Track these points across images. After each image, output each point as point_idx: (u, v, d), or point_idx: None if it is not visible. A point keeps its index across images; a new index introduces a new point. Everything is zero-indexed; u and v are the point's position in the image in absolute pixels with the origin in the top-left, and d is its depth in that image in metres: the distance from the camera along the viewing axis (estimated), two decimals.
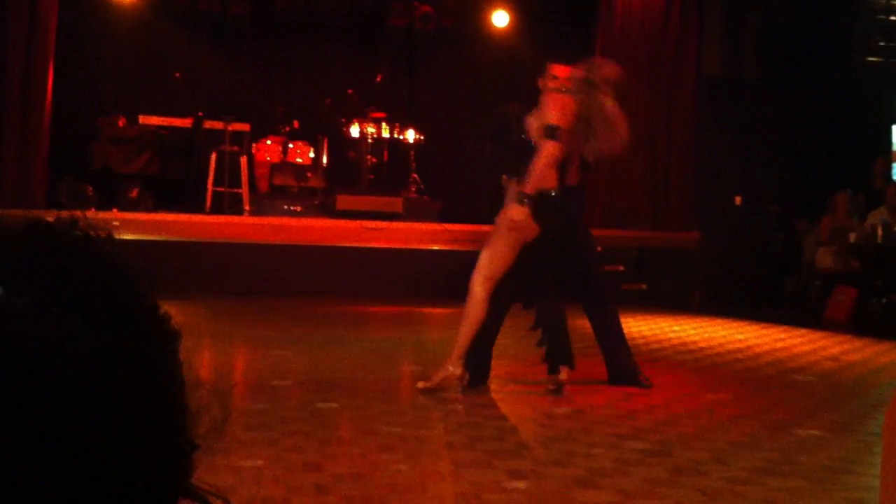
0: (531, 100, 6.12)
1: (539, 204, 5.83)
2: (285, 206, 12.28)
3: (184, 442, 0.57)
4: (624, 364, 6.29)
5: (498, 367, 6.36)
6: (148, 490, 0.54)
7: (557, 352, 6.03)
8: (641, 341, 8.60)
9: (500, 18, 13.94)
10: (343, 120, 13.09)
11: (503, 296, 6.03)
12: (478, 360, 6.12)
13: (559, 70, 6.04)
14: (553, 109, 5.89)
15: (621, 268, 11.97)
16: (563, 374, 6.03)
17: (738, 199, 13.20)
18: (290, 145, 12.96)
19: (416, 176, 13.21)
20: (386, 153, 13.26)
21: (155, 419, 0.56)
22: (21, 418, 0.49)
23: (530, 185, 5.77)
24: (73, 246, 0.58)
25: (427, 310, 10.10)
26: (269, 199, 12.45)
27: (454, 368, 5.91)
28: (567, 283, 6.12)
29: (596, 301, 6.35)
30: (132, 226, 10.78)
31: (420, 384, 5.98)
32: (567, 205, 6.01)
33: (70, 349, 0.52)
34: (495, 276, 5.87)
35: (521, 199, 5.75)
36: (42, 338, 0.52)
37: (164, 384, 0.58)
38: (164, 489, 0.56)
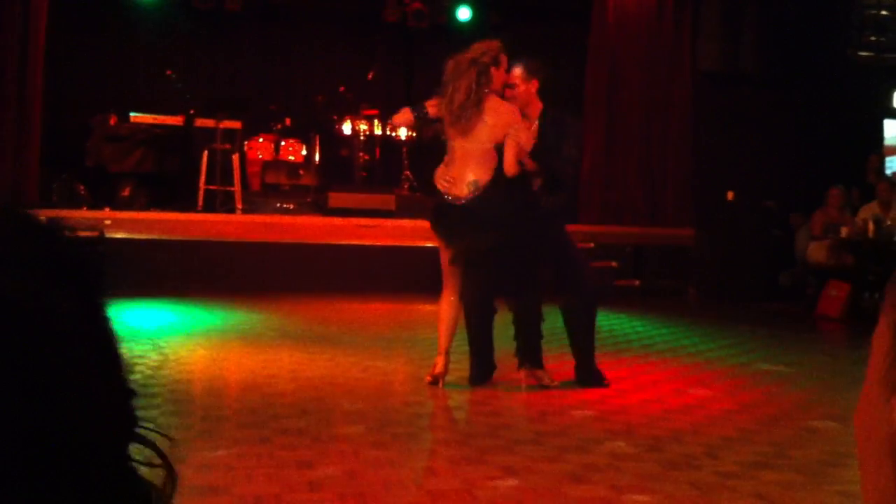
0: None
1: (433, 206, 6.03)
2: (278, 204, 12.26)
3: (125, 388, 0.57)
4: (588, 364, 6.24)
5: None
6: (100, 436, 0.54)
7: (524, 349, 6.06)
8: (635, 337, 8.61)
9: (463, 13, 13.87)
10: (335, 117, 13.07)
11: (485, 294, 6.08)
12: (478, 358, 6.15)
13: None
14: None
15: (614, 264, 11.98)
16: (522, 373, 6.07)
17: (730, 195, 13.20)
18: (283, 143, 12.94)
19: (409, 173, 13.19)
20: (378, 150, 13.24)
21: (96, 363, 0.56)
22: None
23: None
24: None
25: (420, 307, 10.08)
26: (261, 197, 12.43)
27: (438, 364, 6.02)
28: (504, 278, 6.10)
29: (572, 300, 6.25)
30: (124, 224, 10.76)
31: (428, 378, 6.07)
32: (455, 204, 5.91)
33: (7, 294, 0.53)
34: (444, 277, 6.00)
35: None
36: None
37: (100, 330, 0.58)
38: (114, 435, 0.56)
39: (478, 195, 5.80)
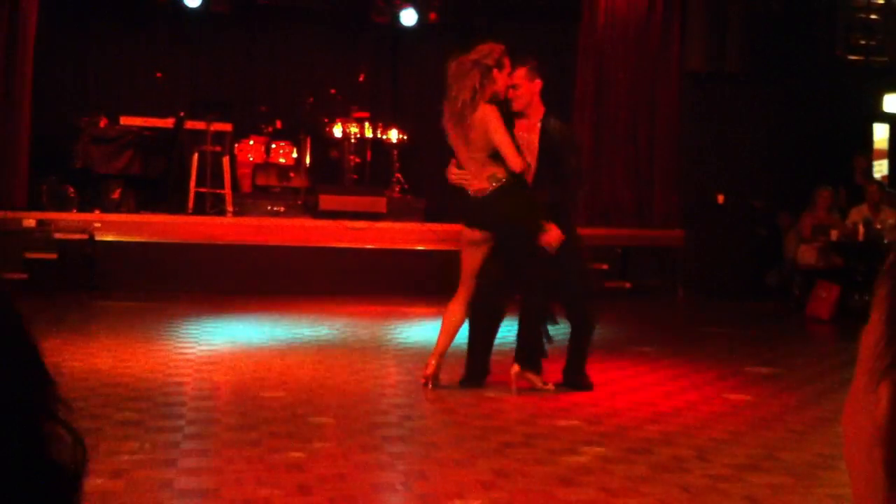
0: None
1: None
2: (268, 207, 12.24)
3: (39, 376, 0.63)
4: (576, 367, 6.22)
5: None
6: (18, 414, 0.60)
7: (521, 349, 6.05)
8: (625, 339, 8.62)
9: (409, 17, 13.75)
10: (326, 120, 13.07)
11: (495, 298, 6.07)
12: (474, 361, 6.13)
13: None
14: None
15: (605, 266, 11.99)
16: (513, 372, 6.05)
17: (720, 198, 13.23)
18: (273, 145, 12.93)
19: (399, 175, 13.19)
20: (369, 153, 13.24)
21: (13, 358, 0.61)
22: None
23: None
24: None
25: (411, 309, 10.08)
26: (251, 199, 12.41)
27: (431, 365, 6.01)
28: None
29: (569, 303, 6.27)
30: (114, 227, 10.73)
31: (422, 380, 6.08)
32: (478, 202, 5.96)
33: None
34: (462, 282, 6.01)
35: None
36: None
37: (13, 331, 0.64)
38: (30, 413, 0.61)
39: (501, 186, 5.85)
